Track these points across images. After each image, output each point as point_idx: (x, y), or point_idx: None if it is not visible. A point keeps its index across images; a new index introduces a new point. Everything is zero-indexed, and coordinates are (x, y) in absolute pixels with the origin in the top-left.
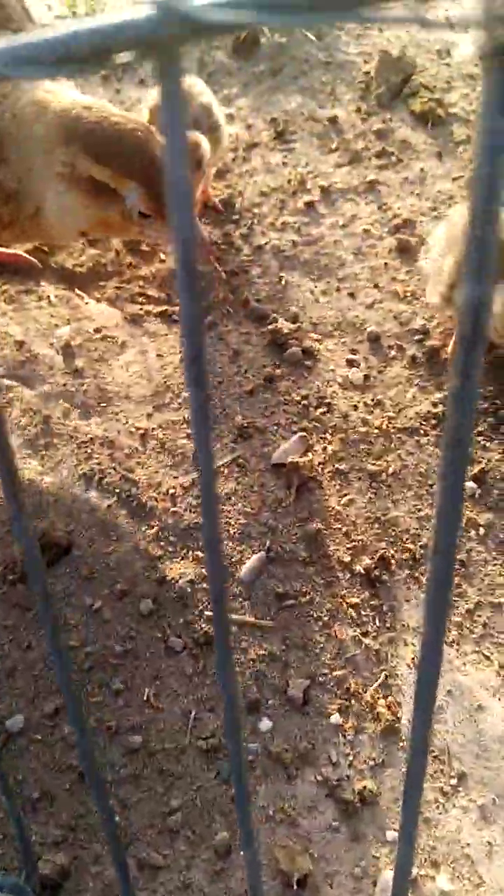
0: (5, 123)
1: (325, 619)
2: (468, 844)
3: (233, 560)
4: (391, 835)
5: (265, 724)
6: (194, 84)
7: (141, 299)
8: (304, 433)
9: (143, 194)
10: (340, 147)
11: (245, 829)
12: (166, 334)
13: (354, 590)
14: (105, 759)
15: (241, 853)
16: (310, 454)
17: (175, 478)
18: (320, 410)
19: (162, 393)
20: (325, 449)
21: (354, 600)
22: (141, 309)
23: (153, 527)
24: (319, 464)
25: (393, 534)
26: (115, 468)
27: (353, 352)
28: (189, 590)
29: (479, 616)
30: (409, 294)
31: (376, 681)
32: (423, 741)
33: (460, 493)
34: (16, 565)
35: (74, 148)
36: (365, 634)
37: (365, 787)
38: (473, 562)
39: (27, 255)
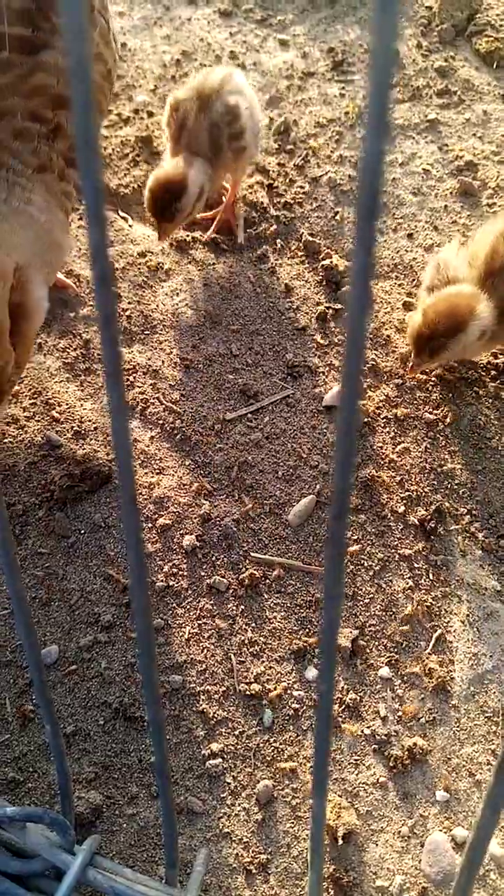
0: None
1: (377, 569)
2: None
3: (280, 501)
4: (441, 795)
5: (311, 672)
6: (230, 77)
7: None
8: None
9: None
10: (400, 83)
11: (318, 776)
12: (214, 263)
13: (407, 541)
14: (144, 698)
15: (311, 801)
16: (364, 398)
17: (221, 413)
18: (375, 353)
19: (208, 324)
20: (379, 394)
21: (407, 552)
22: (188, 235)
23: (197, 462)
24: (374, 409)
25: (449, 486)
26: (158, 399)
27: (410, 295)
28: (234, 529)
29: None
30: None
31: (429, 636)
32: None
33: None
34: (52, 492)
35: None
36: (417, 588)
37: (415, 745)
38: None
39: (63, 277)
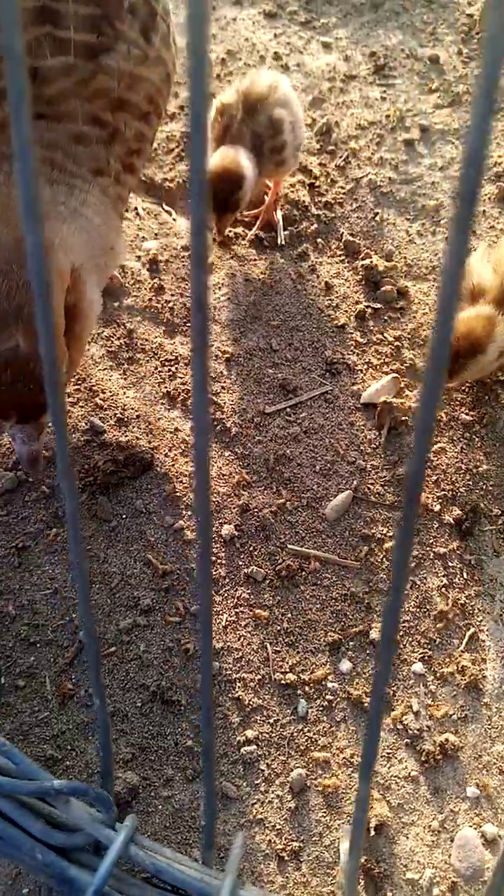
0: None
1: (412, 566)
2: None
3: (317, 495)
4: (472, 791)
5: (345, 665)
6: (277, 84)
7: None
8: (397, 375)
9: None
10: (441, 88)
11: (366, 761)
12: (255, 260)
13: (442, 540)
14: (181, 682)
15: (358, 786)
16: (401, 397)
17: (260, 406)
18: (413, 353)
19: (249, 319)
20: (417, 394)
21: (442, 550)
22: (231, 231)
23: (237, 454)
24: (411, 407)
25: (483, 487)
26: None
27: None
28: (272, 521)
29: None
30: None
31: (462, 634)
32: None
33: None
34: (96, 476)
35: None
36: (451, 586)
37: (447, 740)
38: None
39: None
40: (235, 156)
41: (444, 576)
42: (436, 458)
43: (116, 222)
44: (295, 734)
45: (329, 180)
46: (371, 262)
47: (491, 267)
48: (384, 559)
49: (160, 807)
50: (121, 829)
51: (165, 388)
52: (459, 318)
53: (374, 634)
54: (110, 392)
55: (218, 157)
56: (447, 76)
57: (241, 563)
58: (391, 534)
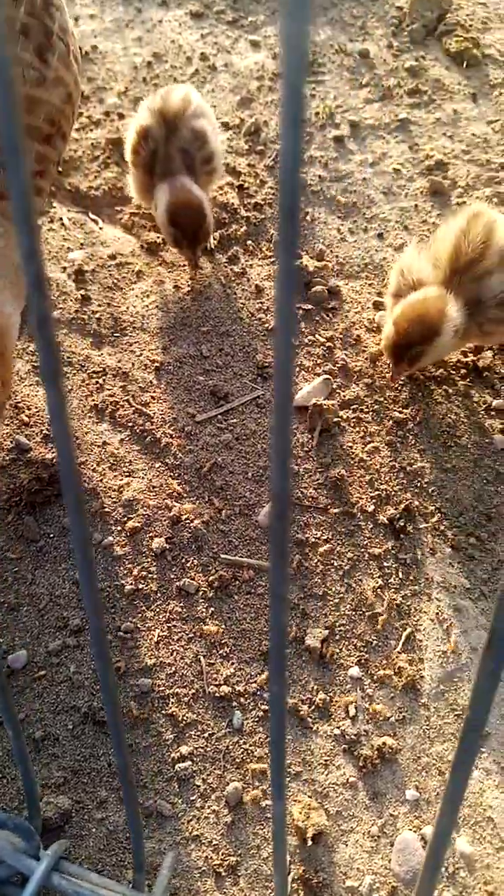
0: None
1: (346, 568)
2: (490, 807)
3: (250, 503)
4: (411, 794)
5: None
6: (189, 98)
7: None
8: (329, 376)
9: None
10: (371, 83)
11: (277, 781)
12: (184, 265)
13: (377, 540)
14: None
15: (272, 804)
16: (334, 398)
17: (191, 415)
18: (345, 353)
19: (178, 326)
20: (349, 394)
21: (377, 551)
22: (158, 237)
23: (167, 464)
24: (343, 408)
25: (418, 485)
26: (128, 401)
27: (381, 294)
28: (203, 531)
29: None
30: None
31: (398, 635)
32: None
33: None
34: (21, 496)
35: None
36: (387, 587)
37: (385, 744)
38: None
39: None
40: (186, 186)
41: (379, 577)
42: (369, 458)
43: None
44: (231, 747)
45: (258, 181)
46: (301, 262)
47: (430, 263)
48: (318, 563)
49: (94, 830)
50: (43, 859)
51: (93, 400)
52: (407, 303)
53: (310, 640)
54: (36, 408)
55: (169, 195)
56: (377, 70)
57: (172, 576)
58: (325, 537)
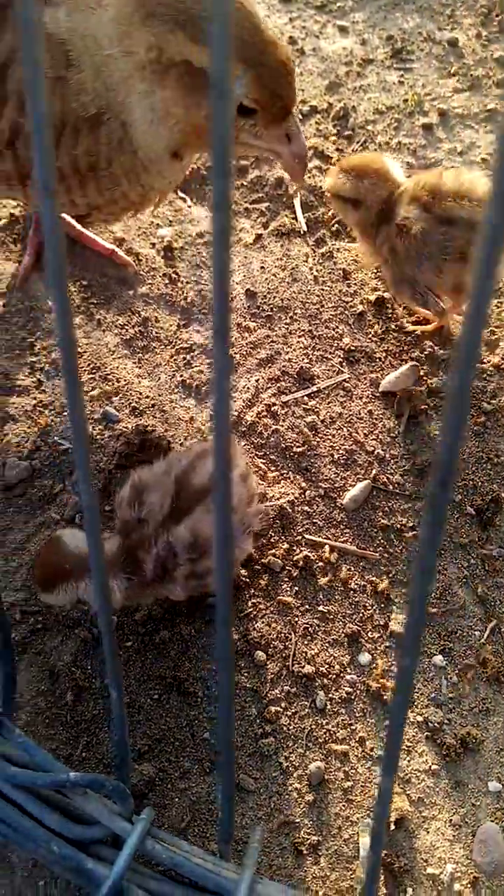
0: (60, 22)
1: None
2: None
3: (335, 486)
4: (493, 785)
5: (365, 657)
6: None
7: (248, 207)
8: (416, 363)
9: (253, 79)
10: (459, 72)
11: (390, 755)
12: (272, 247)
13: (463, 530)
14: (198, 673)
15: (380, 779)
16: (420, 385)
17: (277, 395)
18: (434, 341)
19: (266, 307)
20: (437, 382)
21: (463, 541)
22: (245, 218)
23: (253, 443)
24: (431, 396)
25: None
26: None
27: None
28: (289, 511)
29: None
30: None
31: (483, 626)
32: None
33: None
34: (111, 461)
35: (158, 26)
36: (472, 577)
37: (468, 734)
38: None
39: (123, 255)
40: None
41: (464, 567)
42: None
43: None
44: (313, 727)
45: None
46: None
47: None
48: (404, 550)
49: (177, 799)
50: (137, 822)
51: (181, 376)
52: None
53: (395, 626)
54: (125, 381)
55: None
56: (466, 59)
57: (256, 554)
58: (411, 524)
